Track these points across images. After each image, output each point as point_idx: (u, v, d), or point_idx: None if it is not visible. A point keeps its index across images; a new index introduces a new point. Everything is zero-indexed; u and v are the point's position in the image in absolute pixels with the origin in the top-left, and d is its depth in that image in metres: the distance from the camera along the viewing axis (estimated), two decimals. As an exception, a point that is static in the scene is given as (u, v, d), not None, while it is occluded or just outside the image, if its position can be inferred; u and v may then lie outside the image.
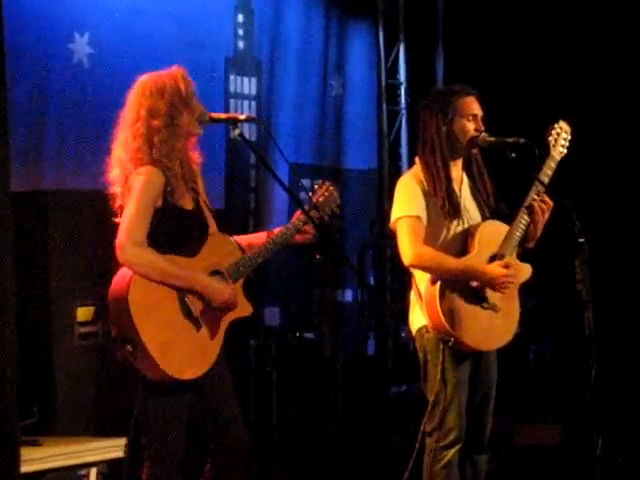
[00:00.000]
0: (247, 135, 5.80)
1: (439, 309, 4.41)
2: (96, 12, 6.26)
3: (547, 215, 4.53)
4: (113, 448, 5.06)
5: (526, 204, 4.52)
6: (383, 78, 8.65)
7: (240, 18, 7.41)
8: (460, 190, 4.62)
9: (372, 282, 8.31)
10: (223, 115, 4.29)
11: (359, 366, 7.60)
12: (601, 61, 7.80)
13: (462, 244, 4.54)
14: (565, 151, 4.62)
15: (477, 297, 4.48)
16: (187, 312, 3.91)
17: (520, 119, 6.26)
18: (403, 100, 8.74)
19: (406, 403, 7.27)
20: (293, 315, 7.56)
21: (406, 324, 4.81)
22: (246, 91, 7.46)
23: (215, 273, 4.00)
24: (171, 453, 3.95)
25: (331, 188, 4.45)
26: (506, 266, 4.47)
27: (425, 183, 4.56)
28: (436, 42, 8.86)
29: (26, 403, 4.68)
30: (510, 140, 4.49)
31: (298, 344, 7.08)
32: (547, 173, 4.54)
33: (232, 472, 4.11)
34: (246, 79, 7.46)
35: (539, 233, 4.57)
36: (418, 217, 4.50)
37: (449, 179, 4.56)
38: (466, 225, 4.57)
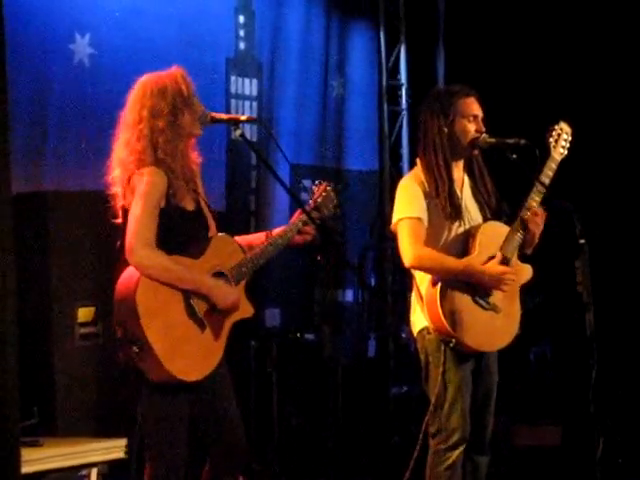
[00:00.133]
0: (248, 136, 5.80)
1: (440, 310, 4.41)
2: (97, 13, 6.26)
3: (542, 225, 4.53)
4: (114, 449, 5.07)
5: (527, 205, 4.52)
6: (384, 79, 8.65)
7: (241, 19, 7.41)
8: (461, 191, 4.62)
9: (373, 283, 8.30)
10: (224, 116, 4.29)
11: (360, 367, 7.59)
12: (602, 61, 7.80)
13: (463, 245, 4.55)
14: (566, 152, 4.62)
15: (478, 298, 4.48)
16: (192, 313, 3.91)
17: (521, 120, 6.25)
18: (404, 101, 8.73)
19: (406, 404, 7.26)
20: (294, 316, 7.55)
21: (407, 325, 4.81)
22: (247, 92, 7.46)
23: (218, 274, 4.00)
24: (173, 453, 3.94)
25: (328, 188, 4.45)
26: (505, 264, 4.47)
27: (426, 184, 4.56)
28: (437, 43, 8.85)
29: (26, 404, 4.68)
30: (511, 141, 4.49)
31: (299, 345, 7.08)
32: (548, 174, 4.54)
33: (230, 472, 4.12)
34: (247, 80, 7.46)
35: (536, 241, 4.58)
36: (419, 218, 4.50)
37: (450, 180, 4.56)
38: (467, 226, 4.57)
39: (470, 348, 4.47)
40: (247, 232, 4.45)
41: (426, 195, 4.54)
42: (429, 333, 4.51)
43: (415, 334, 4.61)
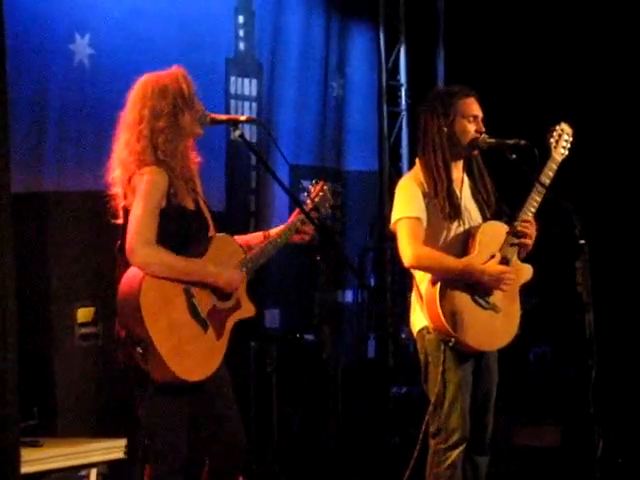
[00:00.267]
0: (248, 136, 5.80)
1: (440, 310, 4.41)
2: (97, 13, 6.25)
3: (534, 234, 4.54)
4: (114, 449, 5.07)
5: (527, 205, 4.52)
6: (384, 79, 8.64)
7: (241, 19, 7.40)
8: (461, 191, 4.62)
9: (372, 284, 8.30)
10: (224, 116, 4.29)
11: (359, 367, 7.60)
12: (603, 62, 7.80)
13: (463, 245, 4.55)
14: (566, 153, 4.63)
15: (478, 297, 4.49)
16: (195, 313, 3.91)
17: (521, 120, 6.26)
18: (404, 101, 8.72)
19: (406, 404, 7.26)
20: (293, 316, 7.55)
21: (407, 325, 4.81)
22: (247, 92, 7.46)
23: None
24: (174, 454, 3.95)
25: (325, 188, 4.46)
26: (505, 264, 4.48)
27: (425, 184, 4.56)
28: (437, 43, 8.85)
29: (26, 404, 4.68)
30: (511, 141, 4.50)
31: (298, 345, 7.07)
32: (548, 175, 4.55)
33: (230, 472, 4.12)
34: (247, 80, 7.46)
35: (530, 248, 4.59)
36: (418, 218, 4.50)
37: (450, 180, 4.57)
38: (467, 226, 4.58)
39: (470, 348, 4.47)
40: (247, 232, 4.45)
41: (425, 195, 4.54)
42: (429, 333, 4.51)
43: (415, 334, 4.61)
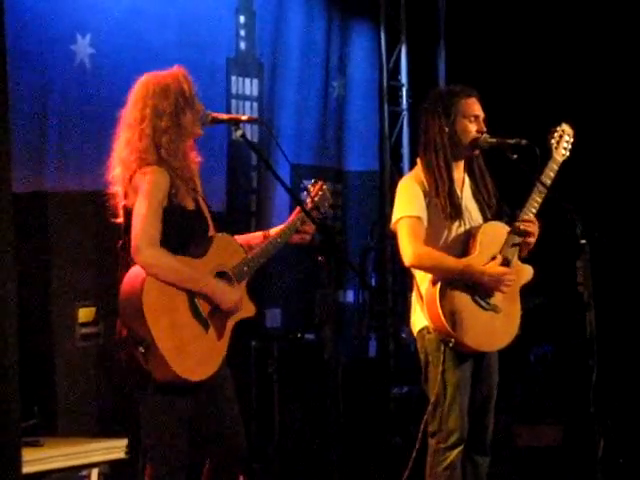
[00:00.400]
0: (249, 136, 5.79)
1: (440, 310, 4.41)
2: (98, 13, 6.25)
3: (536, 233, 4.54)
4: (114, 449, 5.07)
5: (528, 205, 4.52)
6: (385, 79, 8.63)
7: (241, 19, 7.40)
8: (461, 191, 4.62)
9: (373, 283, 8.30)
10: (225, 116, 4.28)
11: (360, 367, 7.59)
12: (604, 62, 7.79)
13: (463, 245, 4.55)
14: (568, 153, 4.63)
15: (478, 298, 4.49)
16: (197, 313, 3.91)
17: (522, 120, 6.25)
18: (405, 101, 8.72)
19: (407, 404, 7.26)
20: (294, 316, 7.55)
21: (407, 325, 4.81)
22: (248, 92, 7.45)
23: (221, 274, 4.01)
24: (175, 454, 3.94)
25: (324, 187, 4.46)
26: (506, 265, 4.48)
27: (426, 184, 4.56)
28: (438, 43, 8.84)
29: (26, 404, 4.67)
30: (512, 141, 4.50)
31: (299, 345, 7.07)
32: (549, 175, 4.55)
33: (231, 472, 4.12)
34: (248, 80, 7.45)
35: (531, 247, 4.59)
36: (418, 218, 4.50)
37: (451, 180, 4.56)
38: (467, 226, 4.58)
39: (469, 348, 4.47)
40: (248, 232, 4.45)
41: (426, 195, 4.54)
42: (429, 333, 4.51)
43: (415, 334, 4.61)
